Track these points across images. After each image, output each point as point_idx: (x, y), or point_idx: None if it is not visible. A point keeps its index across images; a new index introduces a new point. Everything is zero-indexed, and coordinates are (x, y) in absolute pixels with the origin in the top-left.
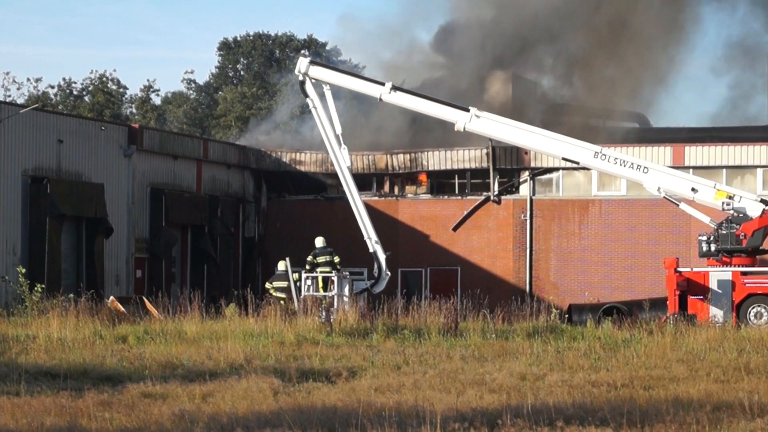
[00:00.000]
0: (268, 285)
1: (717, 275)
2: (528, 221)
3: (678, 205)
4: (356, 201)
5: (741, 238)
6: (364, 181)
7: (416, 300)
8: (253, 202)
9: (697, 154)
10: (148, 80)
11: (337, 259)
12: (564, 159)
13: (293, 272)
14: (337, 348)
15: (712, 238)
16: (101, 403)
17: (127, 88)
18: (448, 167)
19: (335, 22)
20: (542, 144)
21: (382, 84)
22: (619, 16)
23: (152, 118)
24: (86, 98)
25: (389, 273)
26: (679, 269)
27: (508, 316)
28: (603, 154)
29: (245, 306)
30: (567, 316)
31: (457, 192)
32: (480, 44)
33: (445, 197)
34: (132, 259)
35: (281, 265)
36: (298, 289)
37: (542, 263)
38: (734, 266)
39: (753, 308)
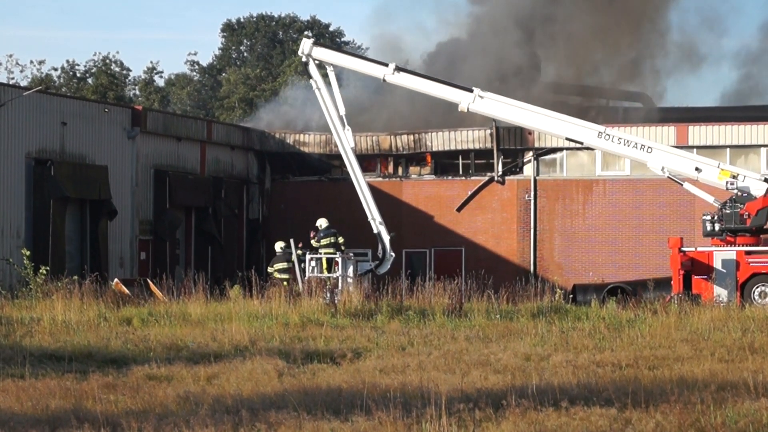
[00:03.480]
0: (270, 269)
1: (721, 255)
2: (532, 201)
3: (682, 185)
4: (360, 182)
5: (745, 217)
6: (368, 162)
7: (420, 281)
8: (257, 184)
9: (701, 133)
10: (151, 62)
11: (341, 240)
12: (568, 139)
13: (297, 250)
14: (342, 329)
15: (716, 218)
16: (106, 386)
17: (131, 70)
18: (452, 148)
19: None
20: (546, 124)
21: (386, 65)
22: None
23: (156, 100)
24: (90, 80)
25: (393, 254)
26: (684, 249)
27: (513, 297)
28: (607, 134)
29: (249, 287)
30: (571, 296)
31: (461, 172)
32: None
33: (449, 178)
34: (136, 241)
35: (278, 246)
36: (303, 271)
37: (546, 243)
38: (738, 246)
39: (757, 287)
